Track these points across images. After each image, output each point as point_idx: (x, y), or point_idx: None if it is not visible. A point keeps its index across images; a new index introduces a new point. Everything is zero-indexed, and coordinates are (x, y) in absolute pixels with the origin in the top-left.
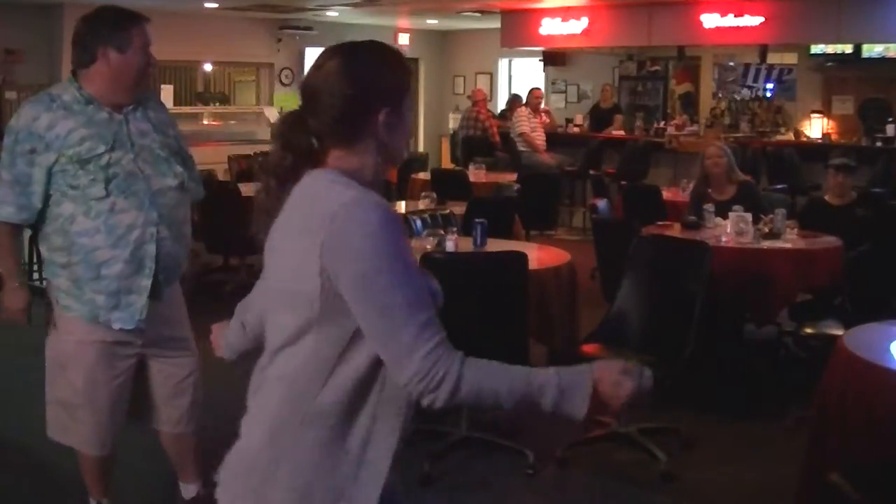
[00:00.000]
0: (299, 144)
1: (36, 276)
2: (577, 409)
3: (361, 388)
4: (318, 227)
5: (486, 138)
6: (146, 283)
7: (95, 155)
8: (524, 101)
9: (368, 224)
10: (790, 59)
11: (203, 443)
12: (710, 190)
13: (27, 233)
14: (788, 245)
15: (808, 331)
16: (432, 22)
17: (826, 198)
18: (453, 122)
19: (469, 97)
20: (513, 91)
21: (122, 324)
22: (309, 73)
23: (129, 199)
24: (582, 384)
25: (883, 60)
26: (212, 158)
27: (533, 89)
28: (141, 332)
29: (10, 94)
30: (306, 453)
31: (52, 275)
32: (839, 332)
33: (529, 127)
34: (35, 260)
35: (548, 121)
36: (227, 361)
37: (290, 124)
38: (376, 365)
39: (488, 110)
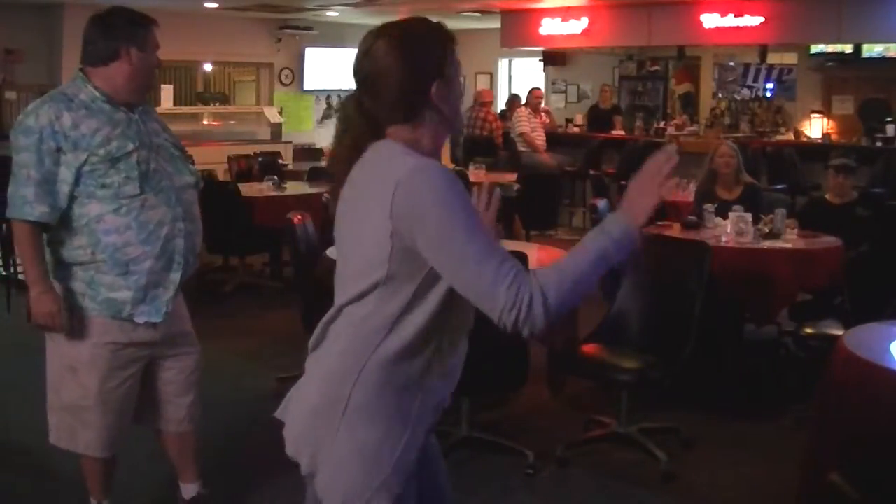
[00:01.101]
0: (359, 125)
1: None
2: (633, 244)
3: (420, 339)
4: (384, 194)
5: (491, 139)
6: (175, 276)
7: (126, 153)
8: (524, 101)
9: (433, 188)
10: (790, 59)
11: (201, 443)
12: (716, 188)
13: None
14: (788, 245)
15: (808, 331)
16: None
17: (827, 197)
18: None
19: (476, 98)
20: (513, 91)
21: (149, 317)
22: (358, 59)
23: (158, 196)
24: (628, 225)
25: (883, 60)
26: (212, 158)
27: (533, 89)
28: (155, 328)
29: (10, 94)
30: (365, 398)
31: (63, 278)
32: (839, 332)
33: (529, 127)
34: None
35: (548, 121)
36: None
37: (349, 108)
38: (434, 321)
39: (493, 112)
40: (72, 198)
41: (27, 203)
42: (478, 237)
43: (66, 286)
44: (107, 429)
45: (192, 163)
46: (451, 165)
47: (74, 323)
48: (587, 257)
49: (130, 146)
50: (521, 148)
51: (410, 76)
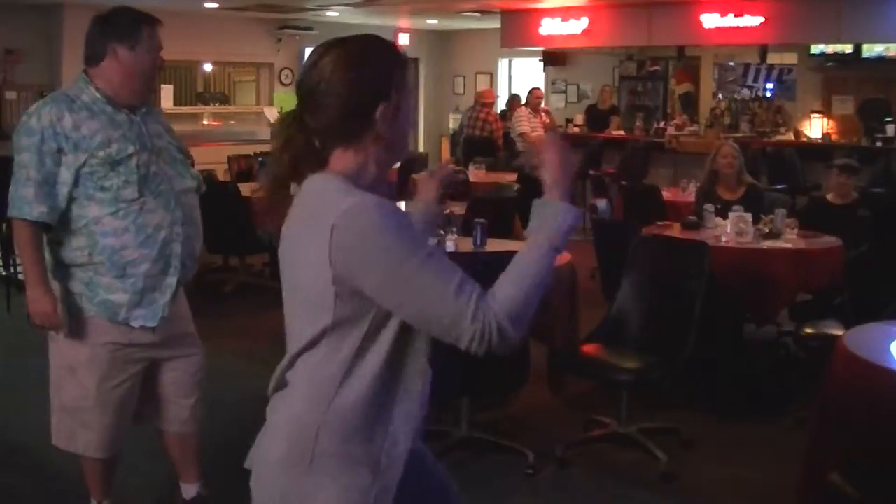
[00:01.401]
0: (298, 144)
1: None
2: (572, 222)
3: (378, 378)
4: (322, 238)
5: (491, 140)
6: (172, 281)
7: (126, 156)
8: (524, 101)
9: (372, 228)
10: (790, 59)
11: (202, 443)
12: (718, 188)
13: None
14: (788, 245)
15: (808, 331)
16: (432, 22)
17: (828, 198)
18: (453, 122)
19: (477, 98)
20: (513, 91)
21: (144, 321)
22: (304, 72)
23: (157, 199)
24: (558, 211)
25: (883, 60)
26: (212, 158)
27: (533, 89)
28: (154, 331)
29: (10, 94)
30: (331, 448)
31: (63, 278)
32: (839, 332)
33: (529, 127)
34: None
35: (548, 121)
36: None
37: (288, 124)
38: (390, 355)
39: (494, 112)
40: (71, 199)
41: (27, 203)
42: (429, 267)
43: (65, 286)
44: (106, 429)
45: (193, 165)
46: (452, 165)
47: (73, 323)
48: (537, 255)
49: (131, 149)
50: (520, 148)
51: (355, 94)
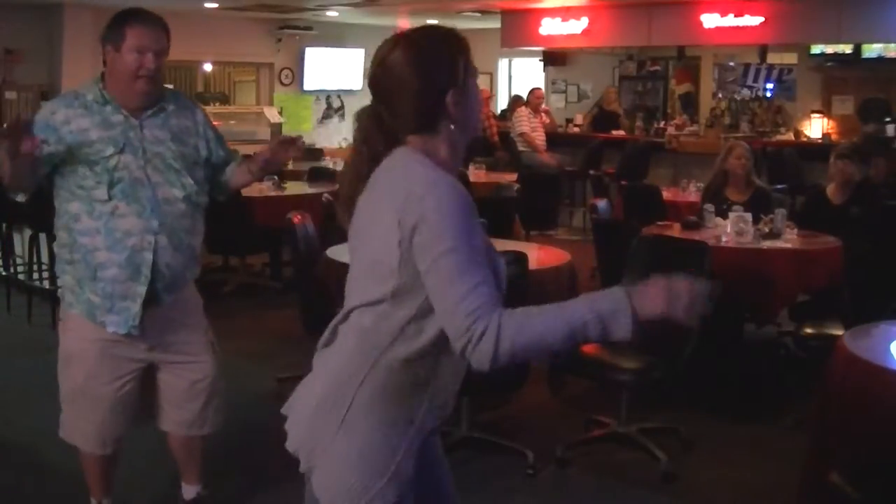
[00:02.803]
0: (377, 138)
1: (36, 276)
2: (623, 332)
3: (426, 349)
4: (395, 203)
5: (485, 138)
6: (141, 290)
7: (103, 157)
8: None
9: (438, 198)
10: (790, 59)
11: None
12: (727, 189)
13: (27, 233)
14: (788, 245)
15: (808, 331)
16: (432, 22)
17: (827, 192)
18: None
19: None
20: (513, 90)
21: (116, 328)
22: (374, 71)
23: (131, 205)
24: (622, 307)
25: (883, 60)
26: None
27: (534, 89)
28: (142, 337)
29: (10, 94)
30: (369, 401)
31: (61, 271)
32: (839, 332)
33: (529, 127)
34: (35, 260)
35: (548, 121)
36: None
37: (366, 119)
38: (442, 331)
39: (490, 110)
40: (58, 193)
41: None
42: (461, 256)
43: (61, 280)
44: (98, 425)
45: (224, 142)
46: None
47: (67, 317)
48: (563, 323)
49: (110, 150)
50: (521, 148)
51: (426, 87)
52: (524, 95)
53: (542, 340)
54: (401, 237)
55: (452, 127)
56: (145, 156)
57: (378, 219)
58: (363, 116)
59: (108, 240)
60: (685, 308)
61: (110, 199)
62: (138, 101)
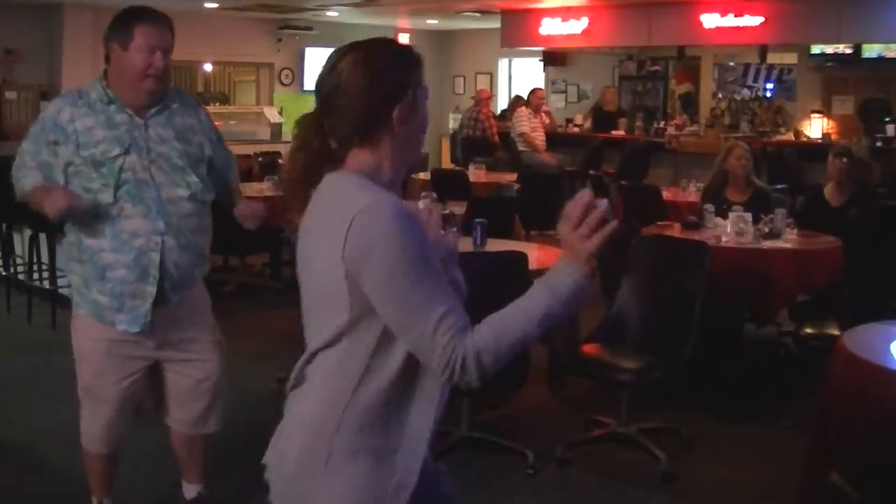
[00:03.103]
0: (315, 146)
1: (36, 276)
2: (580, 297)
3: (397, 377)
4: (337, 233)
5: (485, 139)
6: (150, 290)
7: (109, 158)
8: (524, 100)
9: (385, 228)
10: (790, 59)
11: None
12: (726, 189)
13: (27, 233)
14: (788, 245)
15: (808, 331)
16: (432, 22)
17: (825, 193)
18: (453, 122)
19: (473, 97)
20: (513, 90)
21: (127, 326)
22: (322, 76)
23: (136, 206)
24: (571, 280)
25: (883, 60)
26: None
27: (536, 90)
28: (150, 334)
29: (10, 95)
30: (348, 445)
31: (68, 270)
32: (839, 332)
33: (530, 127)
34: (35, 260)
35: (548, 121)
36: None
37: (306, 126)
38: (409, 358)
39: (490, 110)
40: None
41: (21, 179)
42: (425, 283)
43: (70, 280)
44: (103, 424)
45: (224, 145)
46: (451, 166)
47: (75, 317)
48: (531, 316)
49: (116, 151)
50: (521, 148)
51: (373, 95)
52: (524, 96)
53: (519, 344)
54: (346, 270)
55: (394, 143)
56: (149, 156)
57: (321, 249)
58: (303, 123)
59: (114, 241)
60: (600, 234)
61: (116, 201)
62: (145, 100)
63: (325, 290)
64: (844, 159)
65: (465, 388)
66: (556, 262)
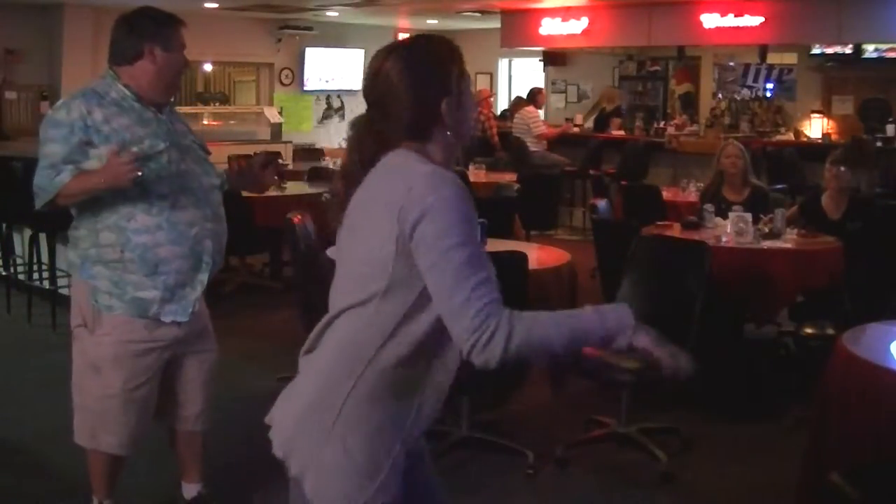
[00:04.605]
0: (368, 147)
1: (36, 276)
2: (620, 345)
3: (418, 349)
4: (397, 196)
5: (486, 139)
6: (203, 277)
7: (158, 152)
8: (526, 99)
9: (443, 192)
10: (790, 59)
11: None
12: (724, 189)
13: (27, 233)
14: (788, 245)
15: (808, 331)
16: (432, 22)
17: (822, 201)
18: None
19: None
20: (513, 90)
21: (175, 316)
22: (368, 80)
23: (188, 197)
24: (626, 325)
25: (883, 60)
26: (212, 158)
27: (540, 89)
28: (180, 326)
29: (10, 95)
30: (358, 409)
31: (90, 276)
32: (839, 332)
33: (546, 126)
34: (35, 260)
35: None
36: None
37: (359, 129)
38: (433, 330)
39: (490, 111)
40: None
41: (55, 178)
42: (468, 252)
43: (93, 284)
44: (128, 427)
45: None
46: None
47: (99, 322)
48: (568, 329)
49: (161, 145)
50: (534, 148)
51: (421, 97)
52: (523, 96)
53: (548, 344)
54: (399, 232)
55: (444, 133)
56: (181, 148)
57: (373, 215)
58: (358, 124)
59: (171, 233)
60: (669, 366)
61: (171, 192)
62: (169, 97)
63: (370, 254)
64: (842, 168)
65: (482, 363)
66: (627, 312)
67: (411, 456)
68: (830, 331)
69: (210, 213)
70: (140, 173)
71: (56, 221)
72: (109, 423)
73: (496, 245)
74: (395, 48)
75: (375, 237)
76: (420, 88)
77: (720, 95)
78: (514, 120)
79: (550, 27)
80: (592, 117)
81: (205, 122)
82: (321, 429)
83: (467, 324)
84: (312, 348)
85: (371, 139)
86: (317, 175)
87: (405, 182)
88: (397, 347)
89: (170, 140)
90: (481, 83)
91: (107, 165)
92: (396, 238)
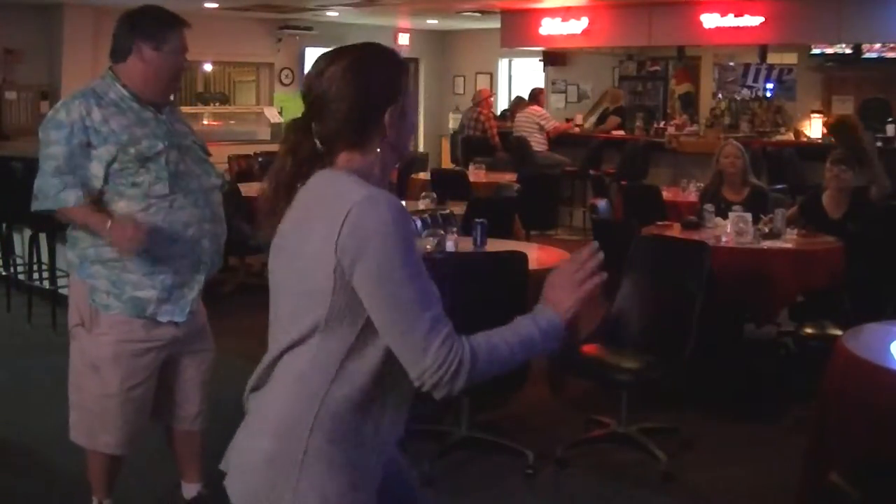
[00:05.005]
0: (304, 150)
1: (36, 276)
2: (555, 345)
3: (371, 381)
4: (332, 225)
5: (486, 139)
6: (201, 277)
7: (156, 153)
8: (528, 99)
9: (383, 221)
10: (790, 59)
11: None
12: (723, 189)
13: (27, 233)
14: (788, 245)
15: (808, 331)
16: (432, 22)
17: (823, 200)
18: (453, 122)
19: (473, 98)
20: (513, 90)
21: (172, 316)
22: (310, 80)
23: (187, 197)
24: (552, 320)
25: (883, 60)
26: (212, 158)
27: (542, 89)
28: (178, 326)
29: (10, 94)
30: (324, 445)
31: (89, 276)
32: (839, 332)
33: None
34: (35, 260)
35: None
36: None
37: (295, 130)
38: (386, 358)
39: (491, 111)
40: (100, 195)
41: (61, 192)
42: (418, 281)
43: (91, 284)
44: (126, 426)
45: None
46: (451, 166)
47: (97, 321)
48: (515, 340)
49: (160, 146)
50: (537, 148)
51: (365, 100)
52: (524, 96)
53: (506, 364)
54: (336, 263)
55: (384, 146)
56: (180, 149)
57: (308, 242)
58: (292, 126)
59: (169, 233)
60: (587, 291)
61: (171, 192)
62: (166, 98)
63: (306, 284)
64: (843, 167)
65: (444, 394)
66: (538, 306)
67: (389, 469)
68: (831, 331)
69: (209, 214)
70: (145, 246)
71: (56, 221)
72: (107, 424)
73: (496, 245)
74: (341, 51)
75: (311, 268)
76: (366, 91)
77: (720, 95)
78: (519, 120)
79: (550, 27)
80: (592, 118)
81: (205, 122)
82: (287, 476)
83: (429, 362)
84: (260, 385)
85: (307, 144)
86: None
87: (341, 208)
88: (348, 383)
89: (169, 140)
90: (481, 83)
91: (116, 226)
92: (335, 269)
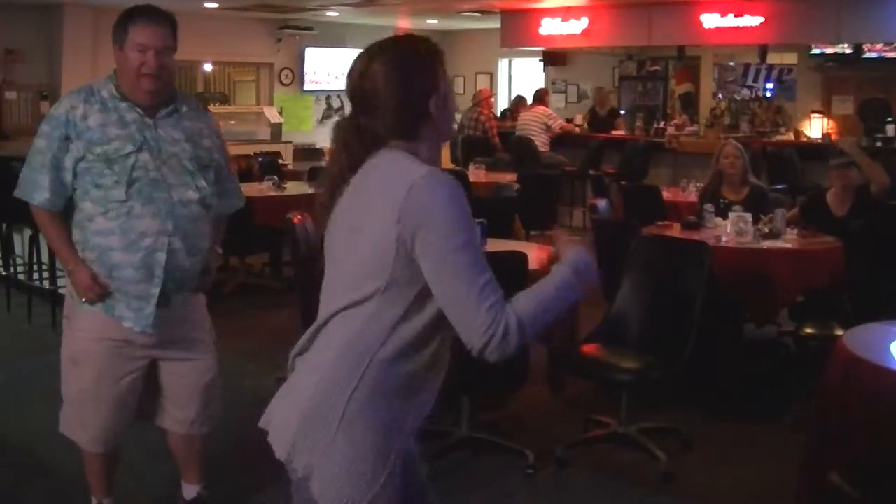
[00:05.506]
0: (356, 145)
1: (36, 276)
2: (592, 277)
3: (416, 347)
4: (393, 198)
5: (486, 139)
6: (154, 291)
7: (122, 155)
8: (529, 101)
9: (443, 194)
10: (790, 59)
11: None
12: (722, 189)
13: (27, 233)
14: (788, 245)
15: (808, 331)
16: (432, 22)
17: (827, 198)
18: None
19: (473, 98)
20: (513, 90)
21: (132, 323)
22: (354, 80)
23: (146, 206)
24: (580, 261)
25: (883, 60)
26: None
27: (546, 90)
28: (151, 334)
29: (10, 95)
30: (363, 407)
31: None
32: (839, 332)
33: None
34: (35, 260)
35: None
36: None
37: (345, 129)
38: (430, 328)
39: (491, 111)
40: (73, 190)
41: (34, 187)
42: (472, 252)
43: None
44: (104, 424)
45: (230, 174)
46: (451, 166)
47: (77, 315)
48: (552, 286)
49: (129, 149)
50: (542, 148)
51: (410, 95)
52: (526, 96)
53: (550, 319)
54: (399, 233)
55: (431, 130)
56: (160, 156)
57: (370, 215)
58: (344, 125)
59: (123, 240)
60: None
61: (127, 199)
62: (145, 98)
63: (366, 254)
64: (847, 165)
65: (497, 357)
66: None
67: (407, 455)
68: (831, 331)
69: (171, 227)
70: (100, 301)
71: None
72: (84, 418)
73: (496, 245)
74: (381, 47)
75: (374, 238)
76: (409, 87)
77: (720, 95)
78: (525, 119)
79: (550, 27)
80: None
81: None
82: (326, 430)
83: (479, 321)
84: (305, 349)
85: (358, 140)
86: (317, 175)
87: (403, 182)
88: (397, 345)
89: (146, 144)
90: (481, 83)
91: (77, 271)
92: (396, 238)
